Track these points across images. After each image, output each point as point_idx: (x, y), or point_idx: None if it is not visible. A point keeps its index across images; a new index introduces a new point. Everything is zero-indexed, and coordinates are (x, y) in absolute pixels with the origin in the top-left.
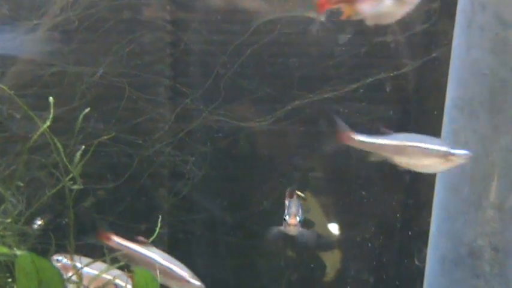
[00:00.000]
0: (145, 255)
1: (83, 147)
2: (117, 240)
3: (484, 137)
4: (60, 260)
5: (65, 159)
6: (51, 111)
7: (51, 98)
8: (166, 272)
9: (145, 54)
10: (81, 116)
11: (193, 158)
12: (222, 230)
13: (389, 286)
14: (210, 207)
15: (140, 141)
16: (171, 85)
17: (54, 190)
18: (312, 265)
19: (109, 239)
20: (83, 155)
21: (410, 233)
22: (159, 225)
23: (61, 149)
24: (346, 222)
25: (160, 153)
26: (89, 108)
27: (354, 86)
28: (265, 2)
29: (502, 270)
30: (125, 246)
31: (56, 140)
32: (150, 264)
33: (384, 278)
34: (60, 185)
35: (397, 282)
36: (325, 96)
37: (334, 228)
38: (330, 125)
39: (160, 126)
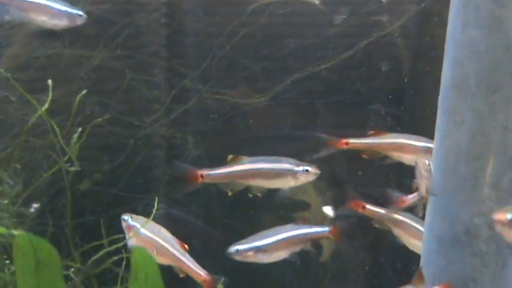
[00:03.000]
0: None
1: (80, 129)
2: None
3: (480, 116)
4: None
5: (61, 141)
6: (50, 94)
7: (49, 81)
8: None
9: (141, 35)
10: (77, 98)
11: (190, 138)
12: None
13: (385, 266)
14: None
15: (137, 123)
16: (167, 66)
17: (51, 172)
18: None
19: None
20: (79, 138)
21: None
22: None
23: (58, 132)
24: (340, 202)
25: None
26: (85, 91)
27: (345, 54)
28: None
29: (498, 248)
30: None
31: (53, 123)
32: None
33: (379, 258)
34: (57, 167)
35: (393, 263)
36: (323, 67)
37: (329, 209)
38: None
39: (157, 107)
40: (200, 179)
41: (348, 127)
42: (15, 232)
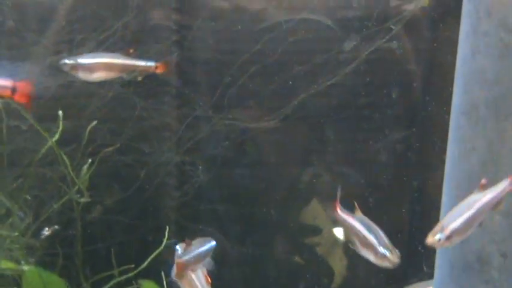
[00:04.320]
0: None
1: (90, 160)
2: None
3: (491, 143)
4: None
5: (71, 172)
6: (60, 124)
7: (60, 112)
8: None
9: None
10: (87, 129)
11: (201, 167)
12: (229, 238)
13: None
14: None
15: (147, 151)
16: (177, 93)
17: (60, 202)
18: (320, 272)
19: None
20: (90, 167)
21: (418, 240)
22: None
23: (68, 163)
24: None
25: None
26: (95, 122)
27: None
28: (272, 7)
29: (510, 276)
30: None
31: (63, 154)
32: None
33: (392, 284)
34: (66, 198)
35: None
36: (329, 83)
37: (340, 233)
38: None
39: (167, 135)
40: None
41: (359, 156)
42: (25, 267)
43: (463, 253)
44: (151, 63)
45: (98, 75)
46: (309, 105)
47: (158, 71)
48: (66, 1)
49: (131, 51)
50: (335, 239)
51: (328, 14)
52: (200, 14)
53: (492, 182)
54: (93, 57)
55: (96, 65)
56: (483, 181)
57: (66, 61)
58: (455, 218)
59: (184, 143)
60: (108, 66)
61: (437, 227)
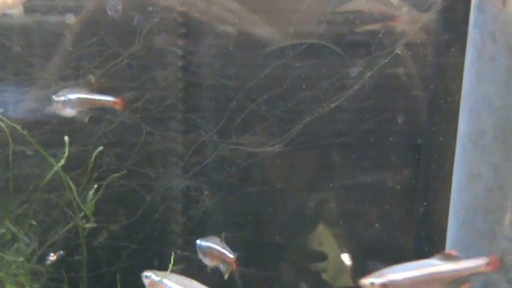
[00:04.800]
0: None
1: (96, 186)
2: None
3: (497, 169)
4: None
5: (77, 198)
6: (66, 150)
7: (66, 138)
8: None
9: (158, 89)
10: (93, 155)
11: (206, 192)
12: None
13: None
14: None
15: (153, 176)
16: (183, 118)
17: (66, 228)
18: None
19: None
20: (95, 193)
21: None
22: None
23: (74, 189)
24: (358, 254)
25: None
26: (101, 147)
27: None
28: (278, 31)
29: None
30: None
31: (68, 180)
32: None
33: None
34: (72, 224)
35: None
36: (333, 106)
37: (347, 258)
38: None
39: (173, 160)
40: None
41: (364, 182)
42: None
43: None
44: (111, 99)
45: (70, 110)
46: (315, 130)
47: (117, 106)
48: (72, 28)
49: (92, 80)
50: (341, 265)
51: (335, 39)
52: (206, 39)
53: (497, 209)
54: (67, 94)
55: (70, 101)
56: (452, 252)
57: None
58: (399, 270)
59: (190, 168)
60: (79, 102)
61: (378, 272)
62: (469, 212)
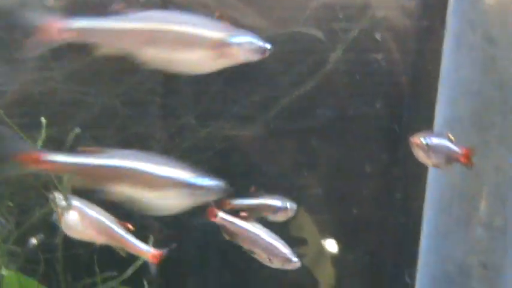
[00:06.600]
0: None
1: None
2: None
3: (474, 155)
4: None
5: (54, 179)
6: (43, 131)
7: (43, 119)
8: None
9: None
10: (70, 136)
11: None
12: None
13: None
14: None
15: None
16: (162, 103)
17: (43, 211)
18: (306, 283)
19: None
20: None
21: (400, 251)
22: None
23: None
24: (337, 239)
25: None
26: (79, 129)
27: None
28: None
29: (490, 287)
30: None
31: None
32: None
33: None
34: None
35: None
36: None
37: (327, 245)
38: None
39: (151, 145)
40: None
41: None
42: (3, 271)
43: (444, 265)
44: None
45: None
46: (294, 116)
47: None
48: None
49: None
50: (321, 250)
51: (317, 26)
52: None
53: (473, 195)
54: None
55: None
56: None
57: None
58: None
59: (168, 152)
60: None
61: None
62: (445, 198)
